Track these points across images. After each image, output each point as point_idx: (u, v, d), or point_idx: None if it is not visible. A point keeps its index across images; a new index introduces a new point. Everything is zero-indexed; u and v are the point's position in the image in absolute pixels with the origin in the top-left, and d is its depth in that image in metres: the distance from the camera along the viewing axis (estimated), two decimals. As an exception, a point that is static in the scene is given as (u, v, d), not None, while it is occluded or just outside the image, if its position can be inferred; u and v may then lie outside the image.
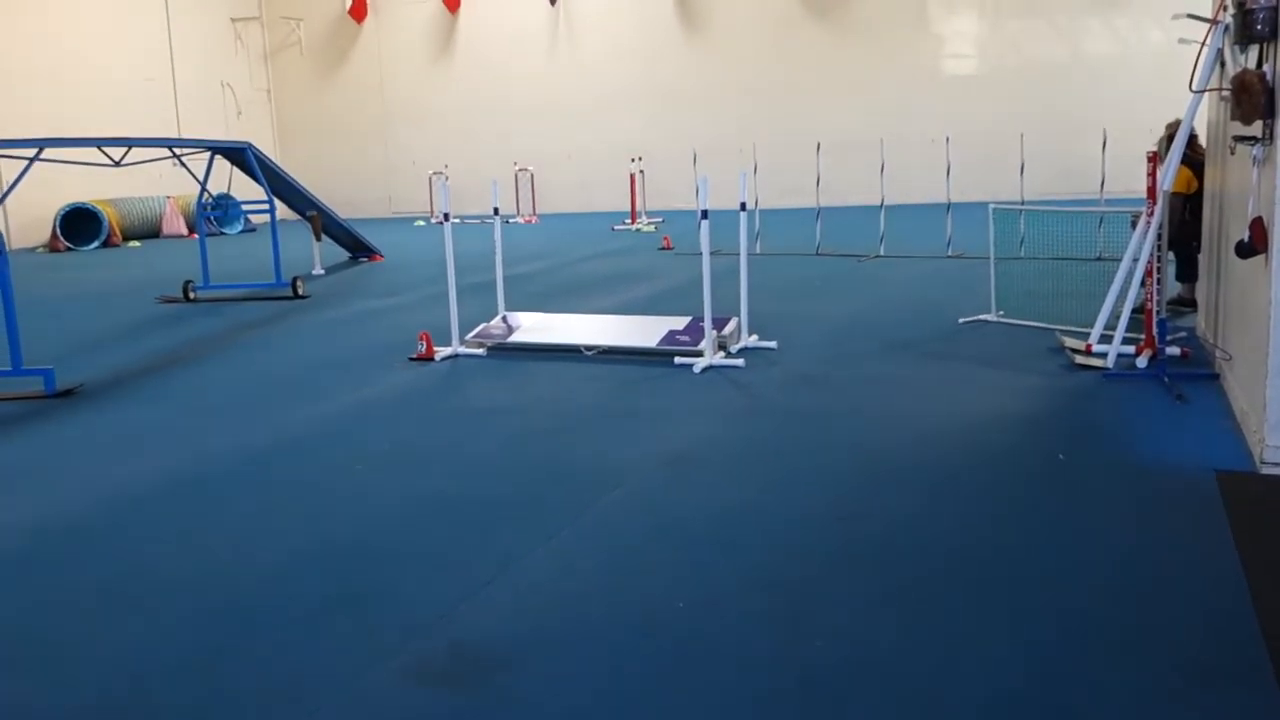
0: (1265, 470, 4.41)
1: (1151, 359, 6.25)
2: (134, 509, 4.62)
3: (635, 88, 23.15)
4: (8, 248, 7.05)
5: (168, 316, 10.53)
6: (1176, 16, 6.22)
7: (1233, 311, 5.73)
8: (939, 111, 20.04)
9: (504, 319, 8.19)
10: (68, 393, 6.92)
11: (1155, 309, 6.36)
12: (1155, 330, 6.28)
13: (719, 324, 7.24)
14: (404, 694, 2.89)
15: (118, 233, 20.13)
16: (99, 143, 10.01)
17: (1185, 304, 8.03)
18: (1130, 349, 6.41)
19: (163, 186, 20.70)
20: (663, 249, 14.78)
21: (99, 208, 19.70)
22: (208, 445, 5.59)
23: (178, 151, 12.31)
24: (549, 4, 23.45)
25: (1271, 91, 4.45)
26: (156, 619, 3.45)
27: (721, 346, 7.20)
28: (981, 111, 20.08)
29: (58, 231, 19.45)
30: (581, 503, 4.42)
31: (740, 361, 6.98)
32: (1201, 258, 7.53)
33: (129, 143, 10.54)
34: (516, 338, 7.87)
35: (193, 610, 3.51)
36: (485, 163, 22.73)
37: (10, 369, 7.02)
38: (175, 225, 21.59)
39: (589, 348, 7.49)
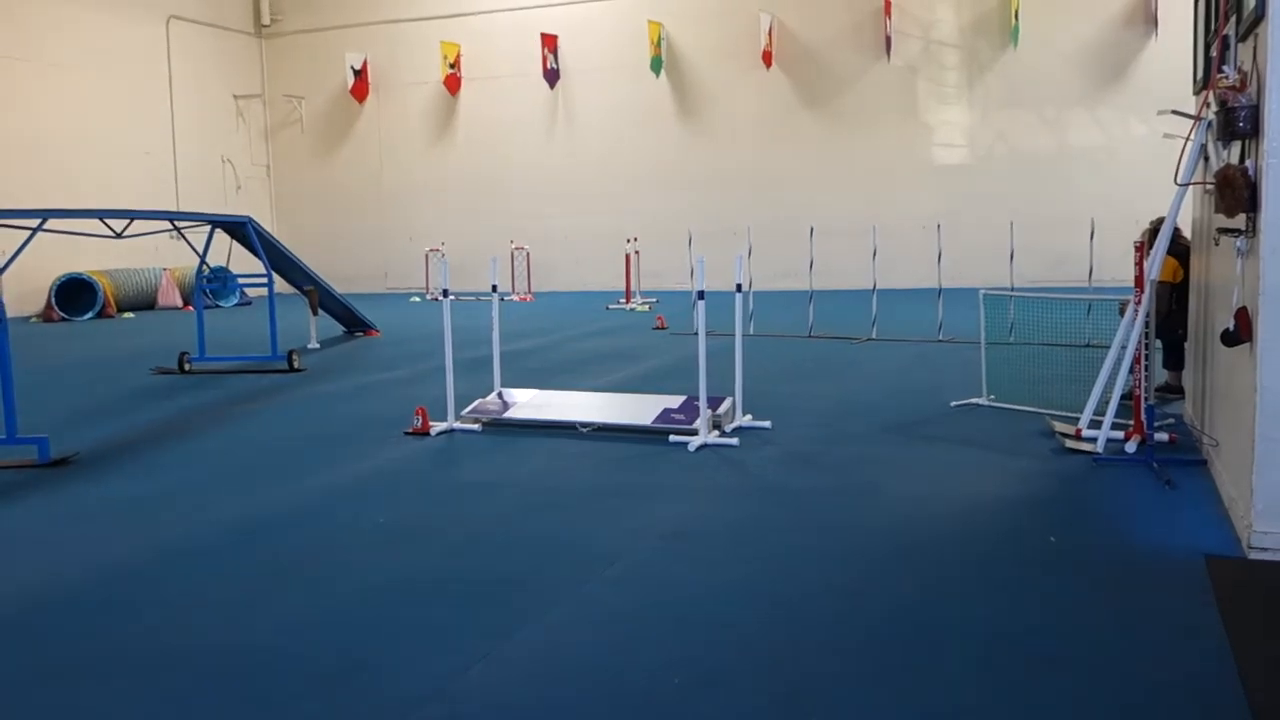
0: (1253, 555, 4.45)
1: (1140, 444, 6.32)
2: (127, 580, 4.62)
3: (632, 170, 23.52)
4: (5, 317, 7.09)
5: (163, 388, 10.56)
6: (1162, 112, 6.42)
7: (1219, 399, 5.82)
8: (930, 199, 20.40)
9: (500, 395, 8.24)
10: (61, 462, 6.92)
11: (1143, 395, 6.45)
12: (1144, 416, 6.36)
13: (713, 403, 7.30)
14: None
15: (112, 304, 20.22)
16: (102, 214, 10.13)
17: (1172, 391, 8.13)
18: (1119, 434, 6.48)
19: (159, 258, 20.87)
20: (656, 328, 14.91)
21: (94, 278, 19.82)
22: (202, 517, 5.60)
23: (178, 224, 12.45)
24: (548, 87, 23.92)
25: (1254, 186, 4.59)
26: (147, 692, 3.44)
27: (716, 425, 7.25)
28: (971, 199, 20.43)
29: (52, 301, 19.54)
30: (577, 579, 4.44)
31: (735, 440, 7.03)
32: (1187, 345, 7.65)
33: (131, 214, 10.66)
34: (512, 414, 7.91)
35: (183, 684, 3.50)
36: (482, 241, 22.99)
37: (4, 437, 7.03)
38: (171, 297, 21.71)
39: (584, 425, 7.54)
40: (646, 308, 18.40)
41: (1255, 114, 4.59)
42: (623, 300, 19.45)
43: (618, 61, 23.37)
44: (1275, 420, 4.41)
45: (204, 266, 12.69)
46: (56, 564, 4.83)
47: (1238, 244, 4.80)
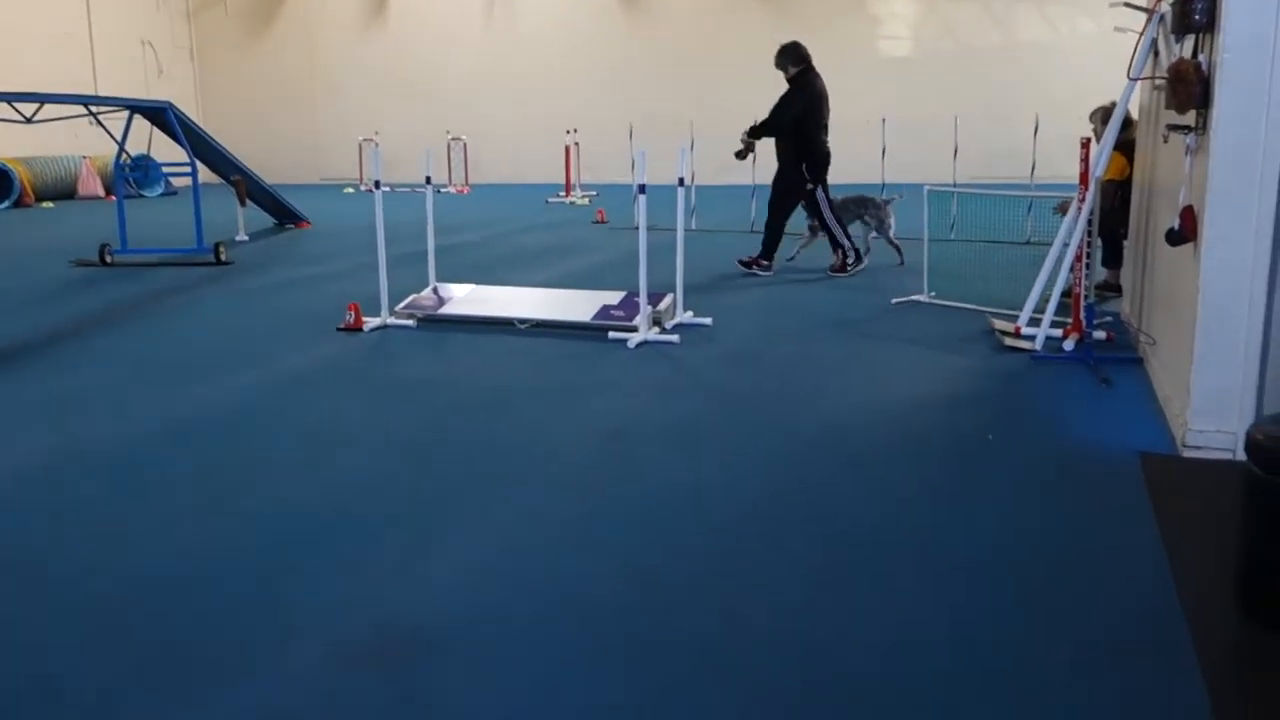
0: (1187, 453, 4.49)
1: (1078, 342, 6.35)
2: (46, 482, 4.43)
3: (572, 61, 22.92)
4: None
5: (83, 281, 10.17)
6: (1114, 4, 6.27)
7: (1159, 298, 5.83)
8: (875, 93, 20.11)
9: (435, 290, 8.04)
10: (-25, 358, 6.64)
11: (1083, 293, 6.45)
12: (1082, 314, 6.37)
13: (654, 299, 7.18)
14: (327, 676, 2.79)
15: (30, 193, 19.40)
16: (8, 98, 9.61)
17: (1111, 289, 8.17)
18: (1057, 332, 6.50)
19: (79, 146, 19.99)
20: (596, 222, 14.68)
21: (10, 166, 18.97)
22: (124, 416, 5.39)
23: (94, 109, 11.87)
24: (485, -29, 23.10)
25: (1206, 81, 4.50)
26: (64, 600, 3.30)
27: (656, 322, 7.14)
28: (917, 94, 20.24)
29: (-34, 190, 18.73)
30: (515, 478, 4.35)
31: (675, 337, 6.94)
32: (1126, 243, 7.66)
33: (41, 98, 10.14)
34: (448, 309, 7.73)
35: (105, 590, 3.36)
36: (417, 131, 22.35)
37: (-87, 332, 6.72)
38: (92, 186, 20.89)
39: (522, 321, 7.39)
40: (586, 201, 18.12)
41: (1212, 6, 4.47)
42: (562, 193, 19.13)
43: (558, -56, 22.58)
44: (1215, 320, 4.40)
45: (123, 154, 12.15)
46: (-33, 465, 4.62)
47: (1187, 141, 4.73)
